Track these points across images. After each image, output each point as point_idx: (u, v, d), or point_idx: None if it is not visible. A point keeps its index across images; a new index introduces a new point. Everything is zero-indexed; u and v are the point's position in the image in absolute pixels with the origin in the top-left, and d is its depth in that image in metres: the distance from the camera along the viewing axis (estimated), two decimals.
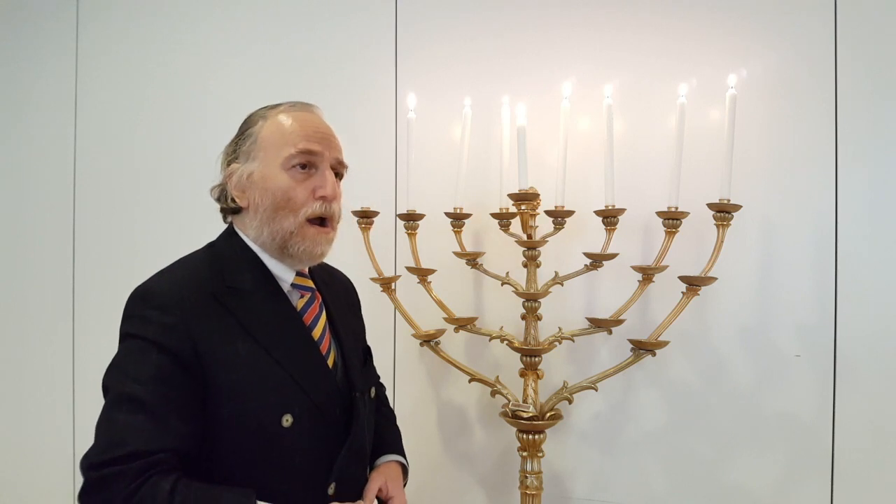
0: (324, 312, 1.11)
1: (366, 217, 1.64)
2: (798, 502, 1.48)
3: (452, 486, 1.76)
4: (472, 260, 1.61)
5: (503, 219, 1.57)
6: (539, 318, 1.53)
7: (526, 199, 1.49)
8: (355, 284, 1.32)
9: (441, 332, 1.66)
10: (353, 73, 1.87)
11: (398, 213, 1.70)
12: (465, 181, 1.60)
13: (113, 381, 0.93)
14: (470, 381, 1.61)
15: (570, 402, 1.52)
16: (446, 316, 1.62)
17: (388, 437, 1.26)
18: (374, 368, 1.30)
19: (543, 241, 1.51)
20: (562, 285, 1.54)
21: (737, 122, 1.40)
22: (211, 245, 1.09)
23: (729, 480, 1.53)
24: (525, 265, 1.53)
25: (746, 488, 1.52)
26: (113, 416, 0.89)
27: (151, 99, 2.13)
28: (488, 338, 1.59)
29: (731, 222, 1.40)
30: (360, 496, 1.10)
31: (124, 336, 0.96)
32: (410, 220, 1.62)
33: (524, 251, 1.52)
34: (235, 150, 1.07)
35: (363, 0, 1.87)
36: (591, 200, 1.53)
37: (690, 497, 1.56)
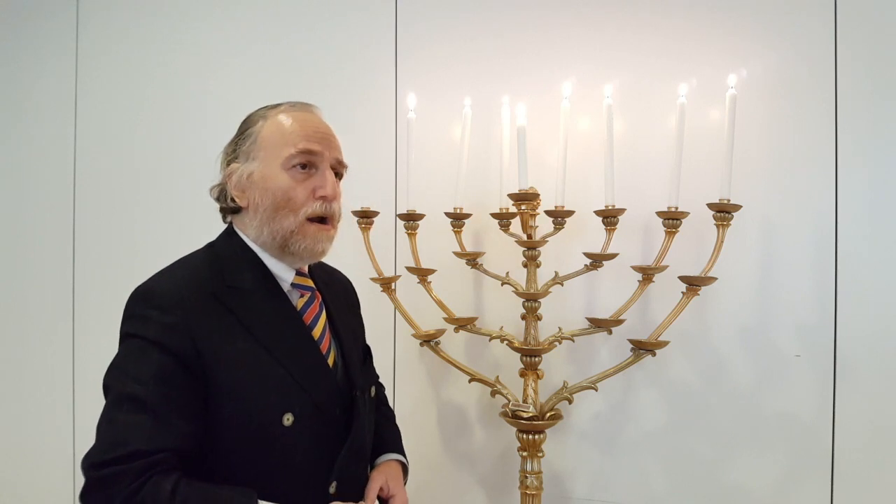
0: (324, 312, 1.11)
1: (366, 217, 1.64)
2: (798, 502, 1.48)
3: (452, 486, 1.76)
4: (472, 260, 1.61)
5: (503, 219, 1.57)
6: (539, 318, 1.53)
7: (526, 199, 1.49)
8: (355, 284, 1.32)
9: (441, 332, 1.66)
10: (353, 73, 1.87)
11: (398, 213, 1.70)
12: (465, 181, 1.60)
13: (114, 380, 0.93)
14: (470, 381, 1.61)
15: (570, 402, 1.52)
16: (446, 316, 1.62)
17: (387, 437, 1.26)
18: (373, 368, 1.30)
19: (543, 241, 1.51)
20: (562, 285, 1.54)
21: (737, 122, 1.40)
22: (211, 245, 1.09)
23: (729, 480, 1.53)
24: (525, 265, 1.53)
25: (746, 488, 1.52)
26: (114, 416, 0.89)
27: (151, 99, 2.13)
28: (488, 338, 1.59)
29: (731, 222, 1.40)
30: (361, 495, 1.10)
31: (125, 336, 0.96)
32: (410, 220, 1.62)
33: (524, 251, 1.52)
34: (235, 150, 1.07)
35: (363, 0, 1.87)
36: (591, 200, 1.53)
37: (690, 497, 1.56)
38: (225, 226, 1.11)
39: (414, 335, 1.65)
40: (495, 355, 1.71)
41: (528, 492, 1.49)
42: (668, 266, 1.47)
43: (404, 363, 1.81)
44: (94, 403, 0.94)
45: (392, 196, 1.81)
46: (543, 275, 1.54)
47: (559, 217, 1.49)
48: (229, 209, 1.08)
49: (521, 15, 1.71)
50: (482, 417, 1.74)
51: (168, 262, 1.05)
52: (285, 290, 1.06)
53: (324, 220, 1.05)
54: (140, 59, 2.15)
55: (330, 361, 1.07)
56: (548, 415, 1.49)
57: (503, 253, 1.65)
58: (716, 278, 1.42)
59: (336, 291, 1.21)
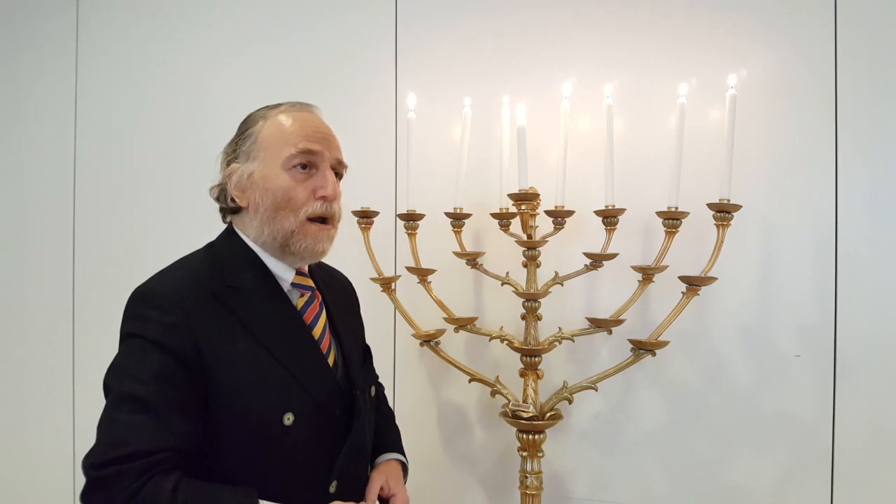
0: (324, 311, 1.11)
1: (366, 217, 1.64)
2: (798, 502, 1.48)
3: (452, 486, 1.76)
4: (472, 260, 1.61)
5: (503, 219, 1.57)
6: (539, 318, 1.53)
7: (526, 199, 1.49)
8: (355, 284, 1.32)
9: (441, 332, 1.66)
10: (353, 73, 1.87)
11: (398, 213, 1.70)
12: (465, 181, 1.60)
13: (114, 380, 0.93)
14: (470, 381, 1.61)
15: (570, 402, 1.52)
16: (446, 316, 1.62)
17: (387, 436, 1.26)
18: (373, 368, 1.30)
19: (543, 241, 1.51)
20: (562, 285, 1.54)
21: (737, 122, 1.40)
22: (210, 245, 1.09)
23: (729, 480, 1.53)
24: (525, 265, 1.53)
25: (746, 488, 1.52)
26: (114, 416, 0.89)
27: (151, 99, 2.13)
28: (488, 338, 1.59)
29: (731, 222, 1.40)
30: (361, 494, 1.10)
31: (125, 336, 0.96)
32: (410, 220, 1.62)
33: (524, 251, 1.52)
34: (235, 150, 1.07)
35: (363, 0, 1.87)
36: (591, 200, 1.53)
37: (690, 497, 1.56)
38: (224, 226, 1.11)
39: (414, 335, 1.65)
40: (495, 355, 1.71)
41: (528, 492, 1.49)
42: (668, 266, 1.47)
43: (404, 363, 1.81)
44: (94, 403, 0.94)
45: (392, 196, 1.81)
46: (543, 275, 1.54)
47: (559, 217, 1.49)
48: (229, 209, 1.08)
49: (521, 15, 1.71)
50: (482, 417, 1.74)
51: (168, 262, 1.05)
52: (285, 289, 1.06)
53: (324, 220, 1.05)
54: (140, 59, 2.15)
55: (330, 361, 1.08)
56: (548, 415, 1.49)
57: (503, 253, 1.65)
58: (716, 278, 1.42)
59: (336, 291, 1.21)
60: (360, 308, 1.30)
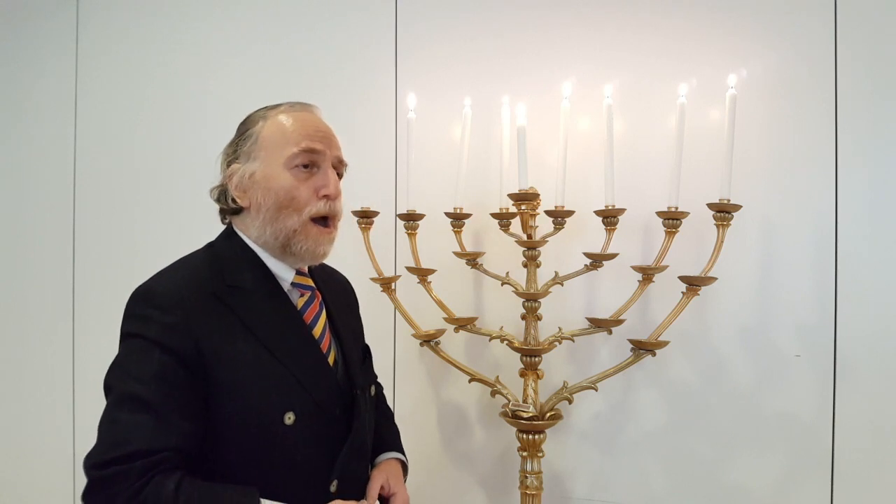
0: (324, 311, 1.12)
1: (366, 217, 1.65)
2: (798, 502, 1.48)
3: (452, 486, 1.76)
4: (472, 260, 1.61)
5: (503, 219, 1.57)
6: (539, 318, 1.53)
7: (526, 199, 1.49)
8: (355, 284, 1.32)
9: (441, 332, 1.66)
10: (353, 73, 1.87)
11: (398, 213, 1.70)
12: (465, 181, 1.60)
13: (115, 380, 0.93)
14: (470, 381, 1.61)
15: (570, 402, 1.52)
16: (446, 316, 1.62)
17: (387, 436, 1.26)
18: (372, 368, 1.30)
19: (543, 241, 1.51)
20: (562, 285, 1.54)
21: (737, 122, 1.40)
22: (210, 245, 1.09)
23: (729, 480, 1.53)
24: (525, 265, 1.53)
25: (746, 488, 1.52)
26: (116, 416, 0.90)
27: (151, 99, 2.13)
28: (488, 338, 1.59)
29: (731, 222, 1.40)
30: (362, 493, 1.10)
31: (126, 336, 0.96)
32: (410, 220, 1.62)
33: (524, 251, 1.52)
34: (236, 151, 1.07)
35: (363, 0, 1.87)
36: (591, 200, 1.53)
37: (690, 497, 1.56)
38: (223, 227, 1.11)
39: (414, 335, 1.65)
40: (495, 355, 1.71)
41: (528, 492, 1.49)
42: (668, 266, 1.47)
43: (404, 363, 1.81)
44: (94, 403, 0.94)
45: (392, 196, 1.81)
46: (543, 275, 1.54)
47: (559, 217, 1.49)
48: (230, 210, 1.08)
49: (521, 15, 1.71)
50: (482, 417, 1.74)
51: (168, 262, 1.05)
52: (285, 289, 1.07)
53: (325, 220, 1.06)
54: (140, 59, 2.15)
55: (330, 360, 1.08)
56: (548, 415, 1.49)
57: (503, 253, 1.65)
58: (716, 278, 1.42)
59: (336, 291, 1.21)
60: (359, 308, 1.30)
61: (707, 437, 1.55)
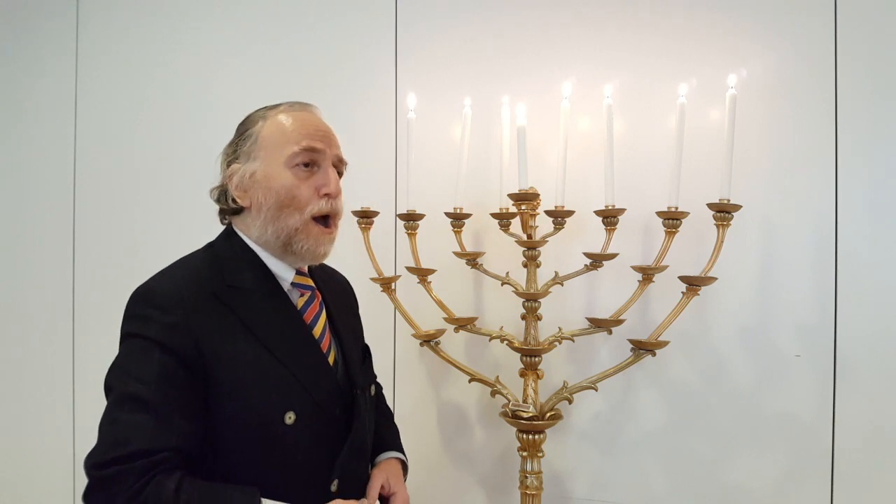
0: (324, 311, 1.12)
1: (366, 217, 1.65)
2: (798, 502, 1.48)
3: (452, 486, 1.76)
4: (472, 260, 1.61)
5: (503, 219, 1.57)
6: (539, 318, 1.53)
7: (526, 199, 1.49)
8: (355, 284, 1.32)
9: (441, 332, 1.66)
10: (353, 73, 1.87)
11: (398, 213, 1.70)
12: (465, 181, 1.60)
13: (115, 380, 0.93)
14: (470, 381, 1.61)
15: (570, 402, 1.52)
16: (446, 316, 1.62)
17: (386, 435, 1.26)
18: (372, 368, 1.30)
19: (543, 241, 1.51)
20: (562, 285, 1.54)
21: (737, 122, 1.40)
22: (210, 245, 1.09)
23: (729, 480, 1.53)
24: (525, 265, 1.53)
25: (746, 488, 1.52)
26: (116, 416, 0.90)
27: (151, 99, 2.13)
28: (488, 338, 1.59)
29: (731, 222, 1.40)
30: (362, 492, 1.10)
31: (126, 336, 0.96)
32: (410, 220, 1.62)
33: (524, 251, 1.52)
34: (235, 151, 1.07)
35: (363, 0, 1.87)
36: (591, 200, 1.53)
37: (690, 497, 1.56)
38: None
39: (414, 335, 1.65)
40: (495, 355, 1.71)
41: (528, 492, 1.49)
42: (668, 266, 1.47)
43: (404, 363, 1.81)
44: (94, 403, 0.94)
45: (392, 196, 1.81)
46: (543, 275, 1.54)
47: (559, 217, 1.49)
48: (230, 210, 1.08)
49: (521, 15, 1.71)
50: (482, 417, 1.74)
51: (168, 262, 1.05)
52: (285, 289, 1.07)
53: (327, 221, 1.06)
54: (140, 59, 2.15)
55: (330, 360, 1.08)
56: (548, 415, 1.49)
57: (503, 253, 1.65)
58: (716, 278, 1.42)
59: (335, 291, 1.21)
60: (358, 309, 1.30)
61: (707, 437, 1.55)
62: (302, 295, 1.09)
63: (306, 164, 1.04)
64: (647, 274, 1.47)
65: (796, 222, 1.49)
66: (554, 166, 1.51)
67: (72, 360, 2.21)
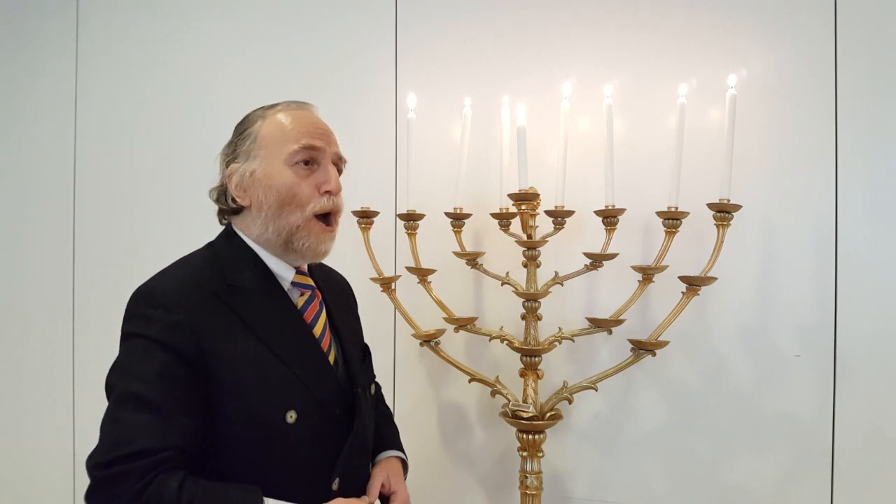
0: (324, 310, 1.12)
1: (366, 217, 1.65)
2: (798, 502, 1.48)
3: (452, 486, 1.76)
4: (472, 260, 1.61)
5: (503, 219, 1.57)
6: (539, 318, 1.53)
7: (526, 199, 1.49)
8: (355, 284, 1.32)
9: (441, 332, 1.66)
10: (353, 73, 1.87)
11: (398, 213, 1.70)
12: (465, 181, 1.60)
13: (117, 380, 0.93)
14: (470, 381, 1.61)
15: (570, 402, 1.52)
16: (446, 316, 1.62)
17: (386, 434, 1.27)
18: (371, 367, 1.30)
19: (543, 241, 1.51)
20: (562, 285, 1.54)
21: (737, 122, 1.40)
22: (210, 245, 1.09)
23: (729, 480, 1.53)
24: (525, 265, 1.53)
25: (746, 488, 1.52)
26: (118, 415, 0.90)
27: (151, 99, 2.13)
28: (488, 338, 1.59)
29: (731, 222, 1.40)
30: (363, 491, 1.11)
31: (127, 335, 0.96)
32: (410, 220, 1.62)
33: (524, 251, 1.52)
34: (234, 151, 1.07)
35: (363, 0, 1.87)
36: (591, 200, 1.53)
37: (690, 497, 1.56)
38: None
39: (414, 335, 1.65)
40: (495, 355, 1.71)
41: (528, 492, 1.49)
42: (668, 266, 1.47)
43: (404, 363, 1.81)
44: (94, 403, 0.94)
45: (392, 196, 1.81)
46: (543, 275, 1.54)
47: (559, 217, 1.49)
48: (229, 210, 1.08)
49: (521, 15, 1.71)
50: (482, 417, 1.74)
51: (168, 262, 1.05)
52: (286, 288, 1.07)
53: (328, 219, 1.06)
54: (140, 59, 2.15)
55: (331, 359, 1.08)
56: (548, 415, 1.49)
57: (503, 253, 1.65)
58: (716, 278, 1.42)
59: (335, 291, 1.21)
60: (358, 309, 1.30)
61: (707, 437, 1.55)
62: (302, 294, 1.09)
63: (306, 162, 1.04)
64: (647, 274, 1.47)
65: (796, 222, 1.49)
66: (554, 166, 1.51)
67: (72, 360, 2.21)
